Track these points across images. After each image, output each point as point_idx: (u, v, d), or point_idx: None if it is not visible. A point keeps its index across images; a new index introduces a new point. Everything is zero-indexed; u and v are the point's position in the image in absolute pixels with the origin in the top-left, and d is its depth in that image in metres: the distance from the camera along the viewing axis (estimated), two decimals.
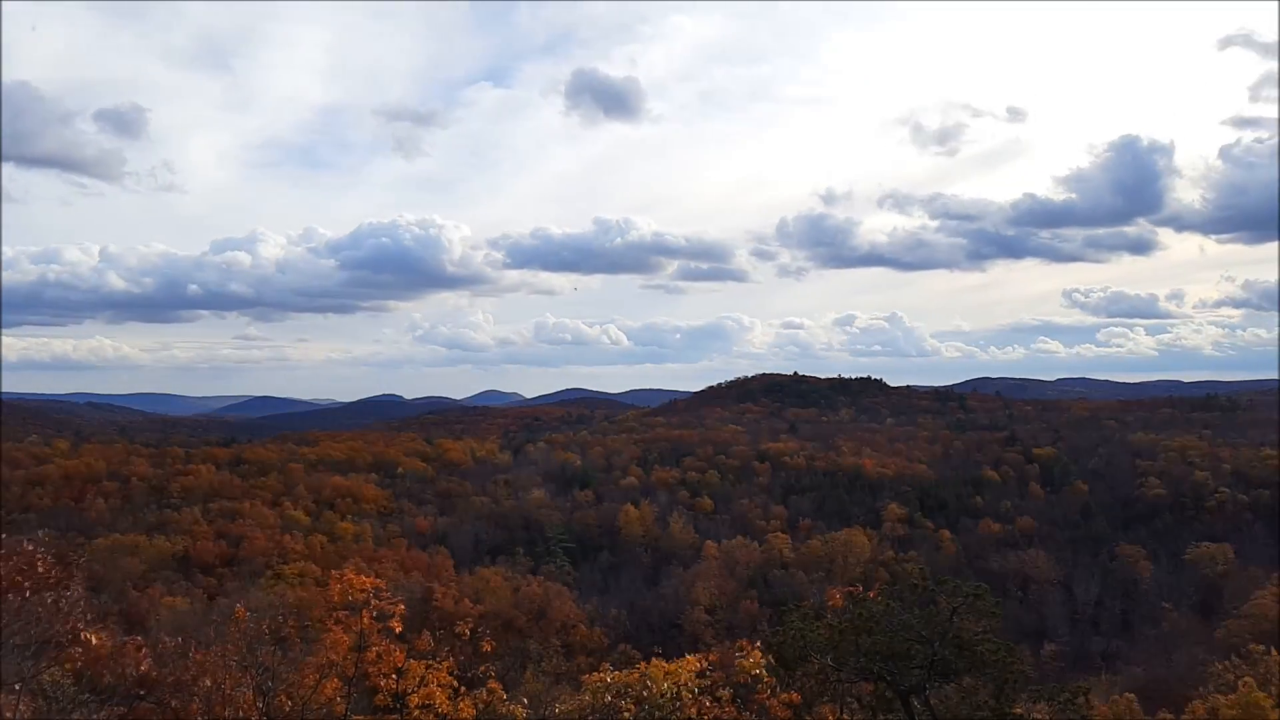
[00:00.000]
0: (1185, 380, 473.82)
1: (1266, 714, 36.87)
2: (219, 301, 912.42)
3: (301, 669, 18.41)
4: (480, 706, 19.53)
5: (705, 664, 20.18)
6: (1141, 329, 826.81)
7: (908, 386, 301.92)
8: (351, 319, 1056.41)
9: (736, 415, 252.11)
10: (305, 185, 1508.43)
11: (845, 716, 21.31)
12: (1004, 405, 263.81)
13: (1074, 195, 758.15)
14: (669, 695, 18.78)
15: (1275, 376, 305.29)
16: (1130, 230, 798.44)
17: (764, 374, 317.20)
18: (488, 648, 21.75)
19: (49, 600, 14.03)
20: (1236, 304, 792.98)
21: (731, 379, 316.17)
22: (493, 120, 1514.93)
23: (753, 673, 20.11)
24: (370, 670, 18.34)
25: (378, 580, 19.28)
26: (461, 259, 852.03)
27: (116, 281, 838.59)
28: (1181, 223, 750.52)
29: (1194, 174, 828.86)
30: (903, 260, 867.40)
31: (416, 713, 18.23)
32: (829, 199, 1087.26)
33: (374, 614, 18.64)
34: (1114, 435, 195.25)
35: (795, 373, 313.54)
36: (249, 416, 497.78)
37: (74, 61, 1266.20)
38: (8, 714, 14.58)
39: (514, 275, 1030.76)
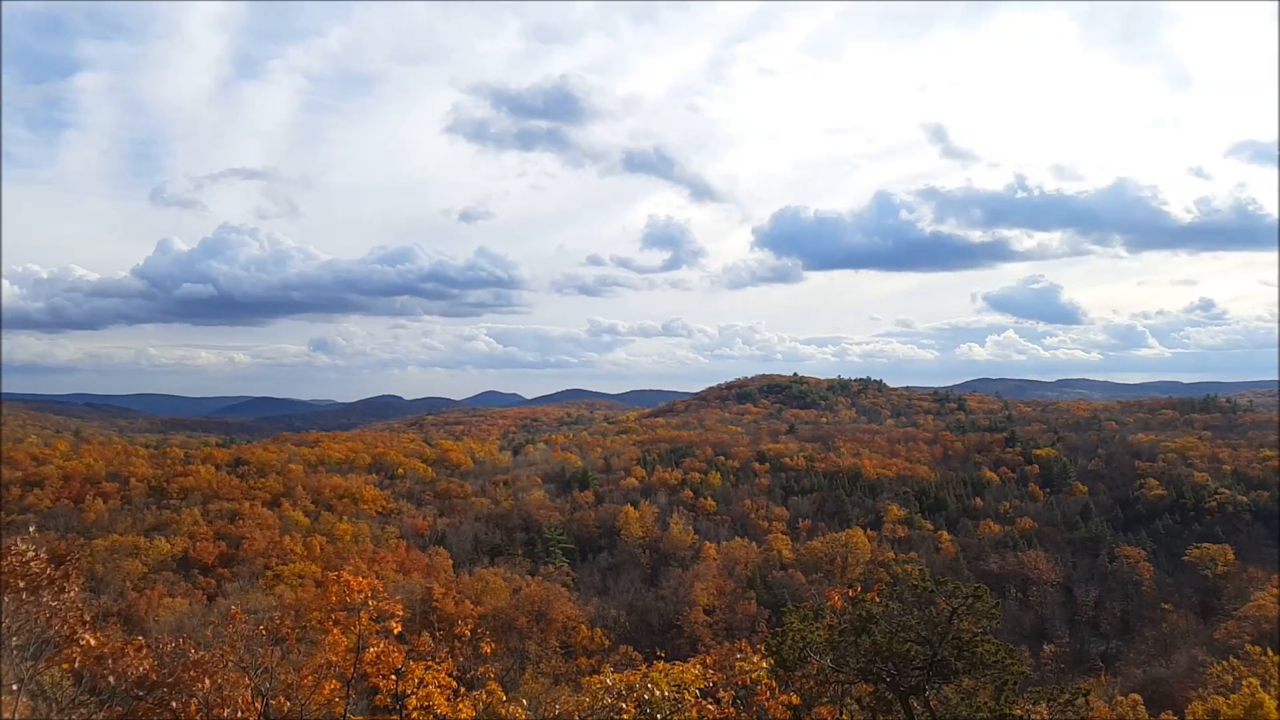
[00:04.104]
0: (1187, 381, 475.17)
1: (1269, 714, 36.78)
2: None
3: (300, 670, 18.40)
4: (480, 707, 19.49)
5: (706, 669, 20.17)
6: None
7: (907, 388, 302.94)
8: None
9: (736, 416, 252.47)
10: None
11: (845, 717, 21.27)
12: (1004, 406, 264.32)
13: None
14: (670, 697, 18.74)
15: (1275, 377, 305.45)
16: None
17: (763, 375, 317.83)
18: (487, 649, 21.74)
19: (47, 601, 14.00)
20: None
21: (731, 380, 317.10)
22: None
23: (752, 675, 20.09)
24: (369, 671, 18.32)
25: (375, 581, 19.26)
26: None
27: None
28: None
29: None
30: None
31: (415, 714, 18.20)
32: None
33: (373, 615, 18.63)
34: (1114, 436, 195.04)
35: (795, 374, 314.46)
36: (249, 417, 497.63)
37: None
38: (7, 714, 14.54)
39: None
